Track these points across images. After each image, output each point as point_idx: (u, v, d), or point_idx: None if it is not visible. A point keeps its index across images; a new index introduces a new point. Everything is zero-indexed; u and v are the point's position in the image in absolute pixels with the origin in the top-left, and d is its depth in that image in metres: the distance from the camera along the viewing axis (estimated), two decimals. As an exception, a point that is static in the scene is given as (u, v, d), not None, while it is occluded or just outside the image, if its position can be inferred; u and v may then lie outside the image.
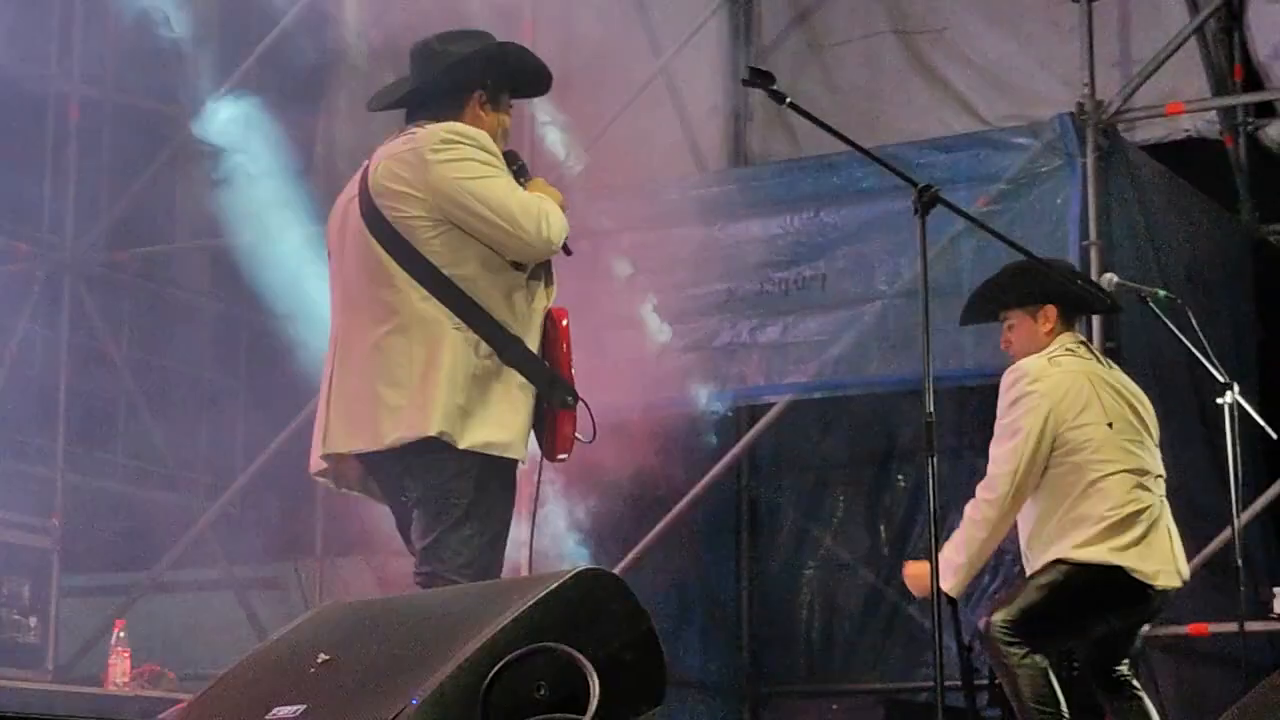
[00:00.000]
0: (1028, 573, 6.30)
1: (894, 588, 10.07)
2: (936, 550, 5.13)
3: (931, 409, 5.18)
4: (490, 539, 5.07)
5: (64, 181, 10.39)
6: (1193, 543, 6.84)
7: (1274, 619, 7.93)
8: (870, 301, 8.95)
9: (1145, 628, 6.54)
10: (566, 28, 9.35)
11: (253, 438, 10.13)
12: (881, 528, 10.25)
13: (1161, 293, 6.64)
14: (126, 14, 9.62)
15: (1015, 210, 8.57)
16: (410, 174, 5.12)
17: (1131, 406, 6.38)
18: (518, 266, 5.16)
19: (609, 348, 8.60)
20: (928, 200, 5.30)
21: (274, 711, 3.91)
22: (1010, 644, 6.07)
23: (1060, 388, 6.23)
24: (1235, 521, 6.50)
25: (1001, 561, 9.13)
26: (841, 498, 10.38)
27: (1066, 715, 6.06)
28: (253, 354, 9.95)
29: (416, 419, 4.99)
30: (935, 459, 5.23)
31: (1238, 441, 6.46)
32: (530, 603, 3.82)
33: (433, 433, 4.98)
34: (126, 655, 8.65)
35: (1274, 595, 7.98)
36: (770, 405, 9.38)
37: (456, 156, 5.12)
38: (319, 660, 4.03)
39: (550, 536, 8.51)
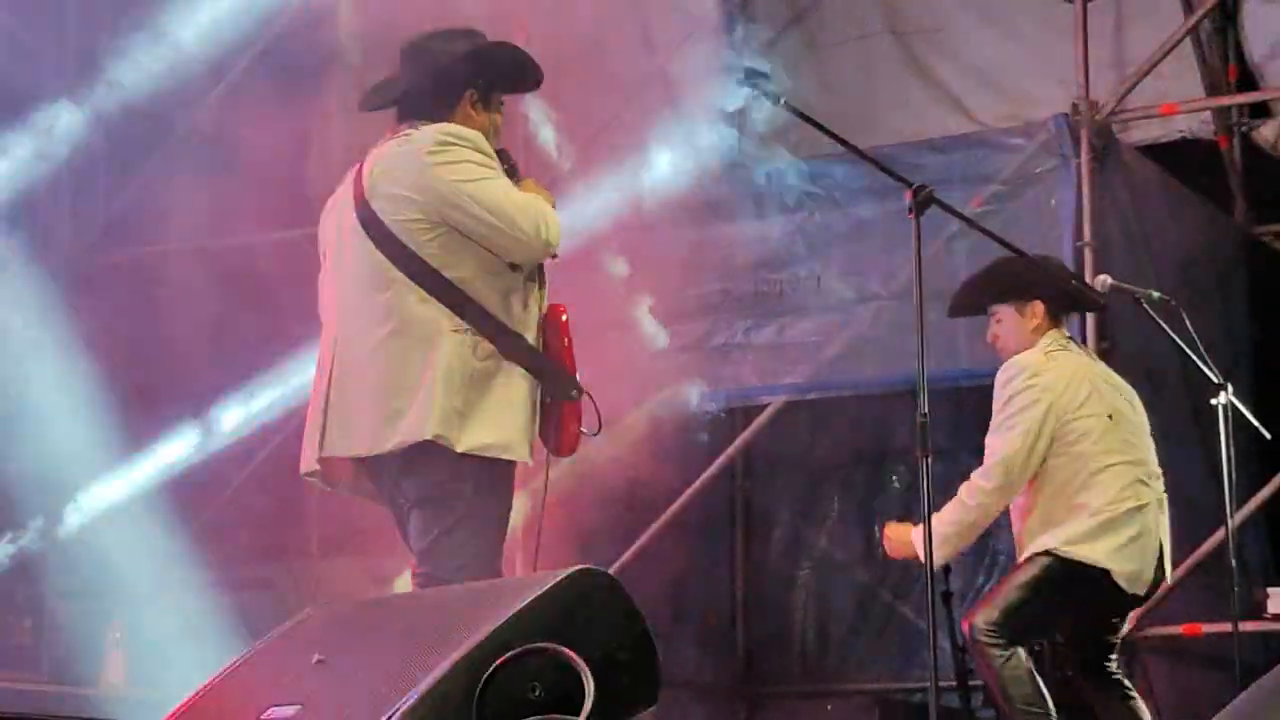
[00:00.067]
0: (1019, 556, 6.31)
1: (888, 588, 10.08)
2: (932, 550, 5.14)
3: (926, 409, 5.19)
4: (488, 541, 5.07)
5: (61, 181, 10.37)
6: (1186, 543, 6.85)
7: (1268, 619, 7.94)
8: (865, 302, 8.95)
9: (1131, 625, 6.56)
10: (560, 27, 9.34)
11: (248, 437, 10.11)
12: (876, 528, 10.24)
13: (1155, 294, 6.66)
14: (123, 13, 9.61)
15: (1010, 211, 8.57)
16: (407, 176, 5.12)
17: (1128, 401, 6.41)
18: (514, 268, 5.17)
19: (603, 349, 8.58)
20: (922, 200, 5.31)
21: (269, 712, 3.92)
22: (993, 645, 6.09)
23: (1060, 381, 6.25)
24: (1229, 522, 6.52)
25: (996, 562, 9.15)
26: (836, 498, 10.38)
27: (1054, 714, 6.06)
28: (249, 354, 9.93)
29: (414, 422, 4.99)
30: (929, 460, 5.24)
31: (1232, 442, 6.47)
32: (525, 603, 3.82)
33: (430, 436, 4.97)
34: (121, 657, 8.64)
35: (1268, 596, 7.99)
36: (765, 406, 9.38)
37: (453, 159, 5.11)
38: (314, 661, 4.03)
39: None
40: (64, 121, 9.99)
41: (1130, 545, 6.20)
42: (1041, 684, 6.11)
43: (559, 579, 3.91)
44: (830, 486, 10.39)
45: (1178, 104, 9.25)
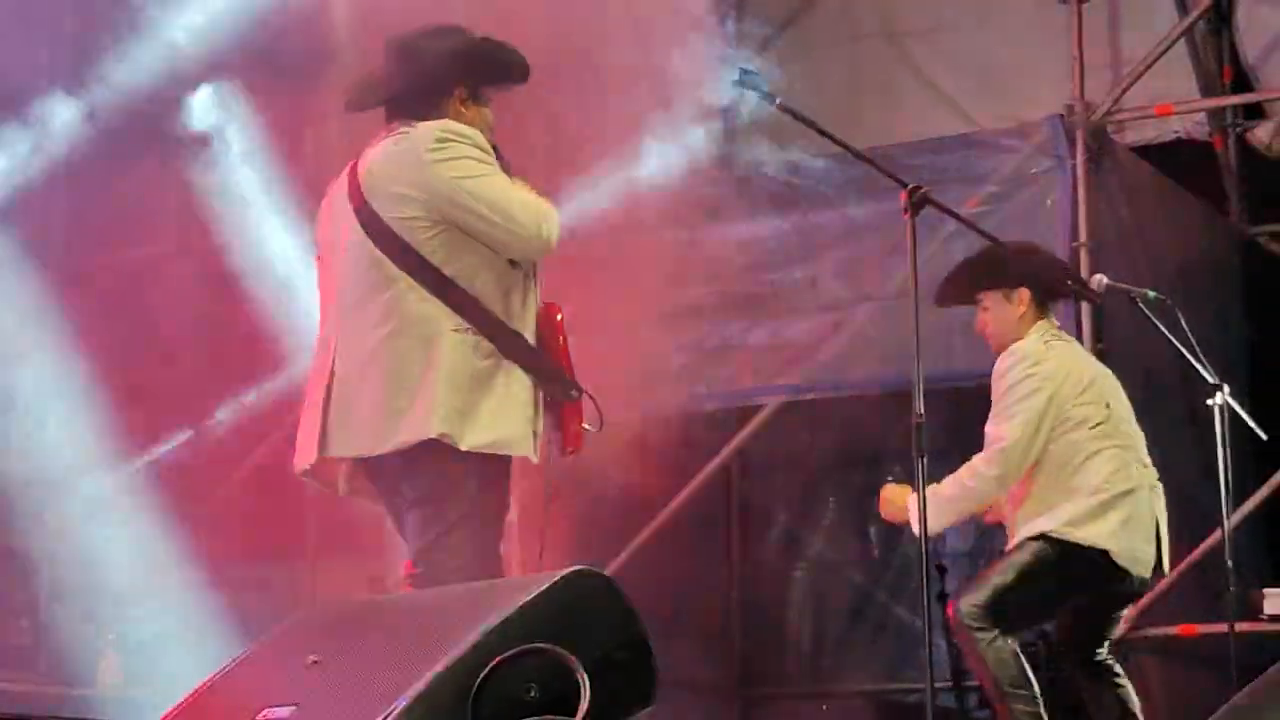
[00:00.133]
0: (1010, 542, 6.31)
1: (884, 589, 10.08)
2: (927, 551, 5.15)
3: (922, 410, 5.20)
4: (485, 541, 5.06)
5: (55, 180, 10.36)
6: (1182, 544, 6.85)
7: (1264, 620, 7.94)
8: (860, 303, 8.96)
9: (1126, 625, 6.56)
10: (553, 26, 9.33)
11: (243, 437, 10.11)
12: (871, 530, 10.25)
13: (1151, 294, 6.66)
14: (117, 14, 9.60)
15: (1005, 212, 8.58)
16: (406, 174, 5.11)
17: (1118, 390, 6.44)
18: (513, 265, 5.16)
19: (598, 350, 8.59)
20: (918, 201, 5.32)
21: (264, 713, 3.91)
22: (978, 628, 6.08)
23: (1061, 370, 6.27)
24: (1225, 523, 6.52)
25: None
26: (832, 499, 10.38)
27: (1039, 697, 6.06)
28: (245, 355, 9.92)
29: (418, 421, 4.98)
30: (925, 460, 5.25)
31: (1228, 442, 6.48)
32: (521, 604, 3.82)
33: (434, 435, 4.96)
34: (117, 658, 8.64)
35: (1263, 596, 7.99)
36: (760, 407, 9.38)
37: (453, 155, 5.11)
38: (309, 661, 4.03)
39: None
40: (59, 119, 9.99)
41: (1126, 526, 6.21)
42: (1028, 667, 6.10)
43: (555, 580, 3.91)
44: (826, 487, 10.39)
45: (1172, 105, 9.26)
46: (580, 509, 8.57)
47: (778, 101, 5.48)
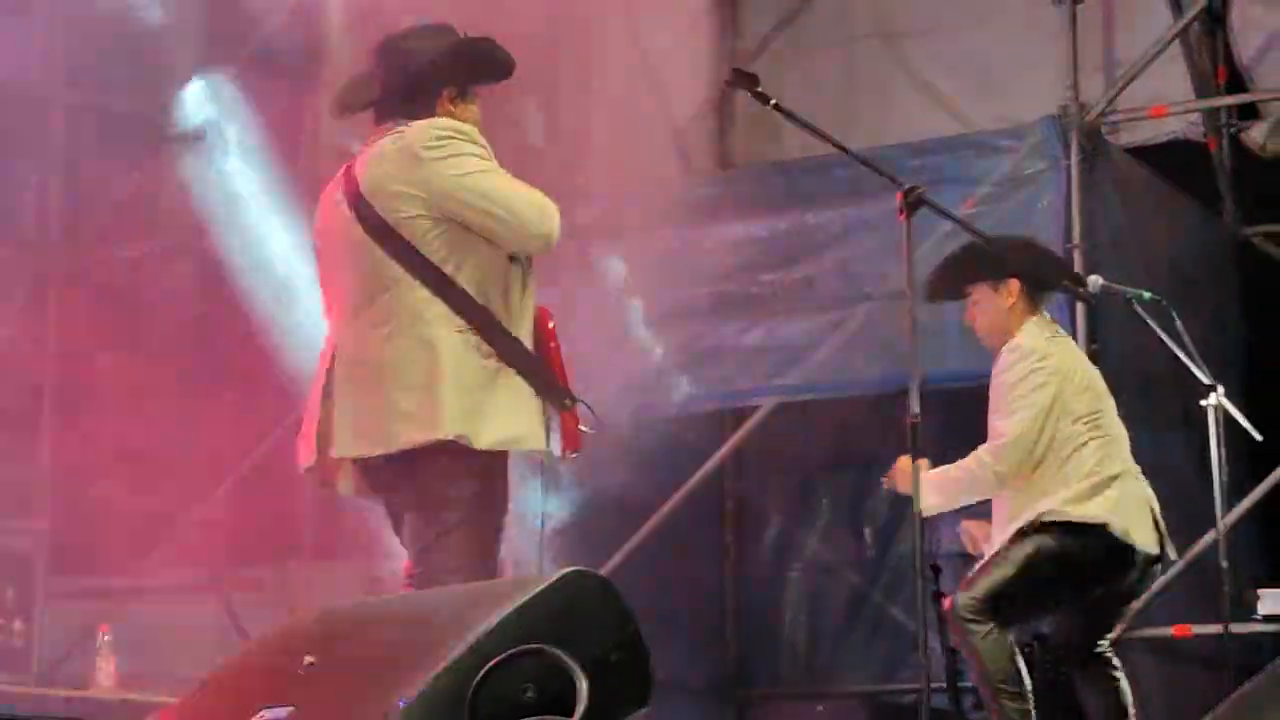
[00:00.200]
0: (998, 537, 6.28)
1: (879, 590, 10.08)
2: (922, 551, 5.15)
3: (917, 411, 5.20)
4: (485, 543, 5.05)
5: (48, 182, 10.36)
6: (1178, 545, 6.85)
7: (1258, 621, 7.94)
8: (856, 304, 8.96)
9: (1134, 604, 6.54)
10: (549, 25, 9.34)
11: (238, 439, 10.10)
12: (866, 530, 10.25)
13: (1146, 294, 6.66)
14: (111, 14, 9.60)
15: (1000, 213, 8.58)
16: (406, 173, 5.10)
17: (1107, 391, 6.45)
18: (514, 263, 5.16)
19: (593, 350, 8.60)
20: (913, 201, 5.33)
21: (261, 714, 3.91)
22: (974, 622, 6.06)
23: (1065, 365, 6.28)
24: (1220, 523, 6.52)
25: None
26: (826, 500, 10.38)
27: (1030, 696, 6.05)
28: (239, 355, 9.92)
29: (428, 422, 4.97)
30: (919, 461, 5.26)
31: (1222, 443, 6.48)
32: (517, 605, 3.82)
33: (449, 435, 4.94)
34: (112, 659, 8.63)
35: (1258, 597, 7.99)
36: (755, 408, 9.38)
37: (452, 152, 5.11)
38: (305, 662, 4.03)
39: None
40: (52, 118, 9.99)
41: (1122, 503, 6.21)
42: (1022, 664, 6.08)
43: (551, 581, 3.91)
44: (821, 488, 10.38)
45: (1167, 106, 9.26)
46: (575, 509, 8.59)
47: (773, 102, 5.48)
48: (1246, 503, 8.34)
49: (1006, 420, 6.21)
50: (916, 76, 10.38)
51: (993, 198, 8.67)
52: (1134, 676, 7.46)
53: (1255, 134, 9.89)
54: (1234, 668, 6.55)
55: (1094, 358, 7.73)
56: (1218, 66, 9.85)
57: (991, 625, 6.04)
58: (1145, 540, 6.24)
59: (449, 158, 5.09)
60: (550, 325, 5.26)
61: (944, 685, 6.67)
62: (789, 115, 5.54)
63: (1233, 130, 9.89)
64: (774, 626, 10.34)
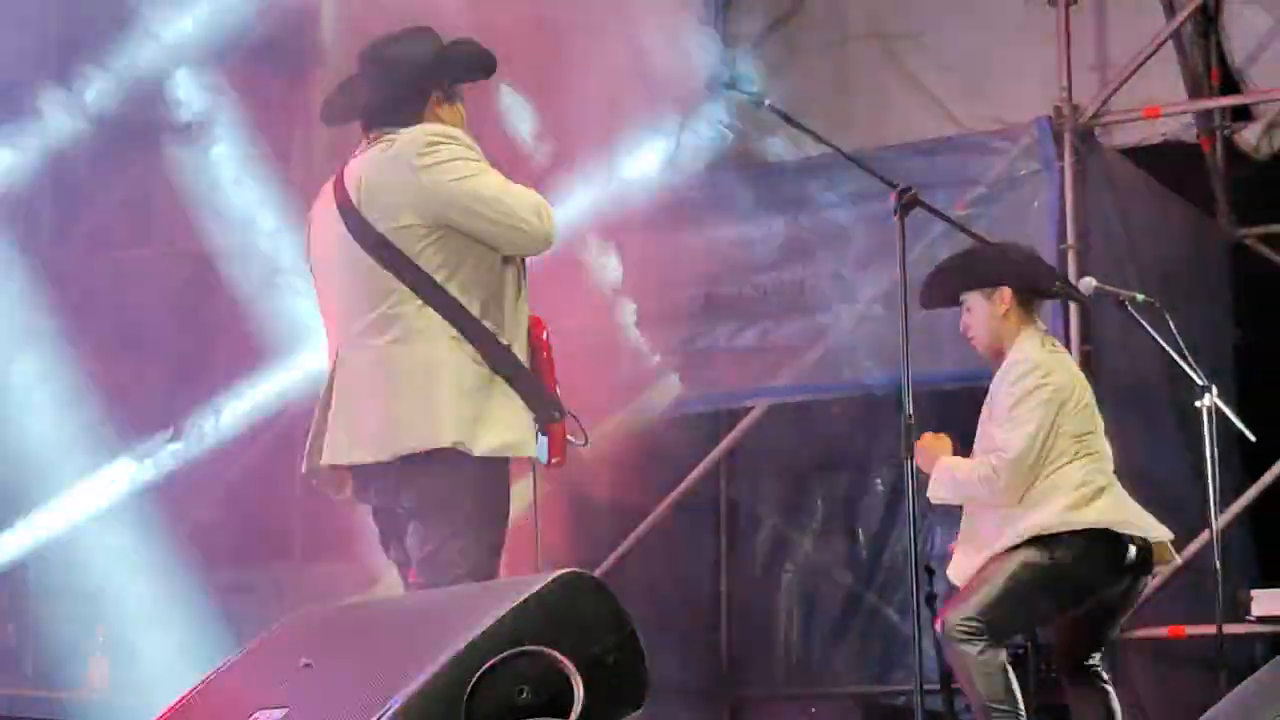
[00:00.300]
0: (982, 541, 6.25)
1: (872, 591, 10.09)
2: (918, 552, 5.14)
3: (911, 412, 5.20)
4: (487, 549, 5.04)
5: (44, 182, 10.36)
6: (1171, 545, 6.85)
7: (1251, 621, 7.95)
8: (849, 305, 8.96)
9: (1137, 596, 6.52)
10: (541, 26, 9.33)
11: (232, 441, 10.10)
12: (860, 531, 10.26)
13: (1140, 295, 6.66)
14: (109, 14, 9.61)
15: (993, 214, 8.59)
16: (399, 182, 5.08)
17: (1096, 407, 6.44)
18: (506, 265, 5.15)
19: (586, 351, 8.59)
20: (907, 203, 5.33)
21: (255, 716, 3.91)
22: (967, 640, 6.02)
23: (1069, 383, 6.26)
24: (1213, 524, 6.51)
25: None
26: (820, 501, 10.39)
27: (1023, 714, 6.04)
28: (234, 355, 9.92)
29: (426, 430, 4.95)
30: (913, 462, 5.25)
31: (1215, 444, 6.48)
32: (512, 606, 3.82)
33: (447, 443, 4.93)
34: (105, 661, 8.63)
35: (1251, 598, 8.00)
36: (749, 409, 9.38)
37: (444, 158, 5.09)
38: (300, 665, 4.03)
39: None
40: (49, 118, 9.99)
41: (1118, 505, 6.19)
42: (1014, 681, 6.06)
43: (546, 582, 3.90)
44: (814, 489, 10.39)
45: (1160, 107, 9.26)
46: (569, 511, 8.59)
47: (766, 103, 5.48)
48: (1240, 504, 8.35)
49: (1010, 433, 6.16)
50: (910, 78, 10.39)
51: (986, 199, 8.68)
52: (1128, 677, 7.48)
53: (1249, 135, 9.90)
54: (1228, 668, 6.55)
55: (1087, 359, 7.75)
56: (1211, 68, 9.86)
57: (983, 643, 5.99)
58: (1151, 530, 6.21)
59: (441, 164, 5.07)
60: (544, 335, 5.25)
61: (937, 686, 6.67)
62: (782, 115, 5.54)
63: (1226, 131, 9.90)
64: (767, 628, 10.35)
